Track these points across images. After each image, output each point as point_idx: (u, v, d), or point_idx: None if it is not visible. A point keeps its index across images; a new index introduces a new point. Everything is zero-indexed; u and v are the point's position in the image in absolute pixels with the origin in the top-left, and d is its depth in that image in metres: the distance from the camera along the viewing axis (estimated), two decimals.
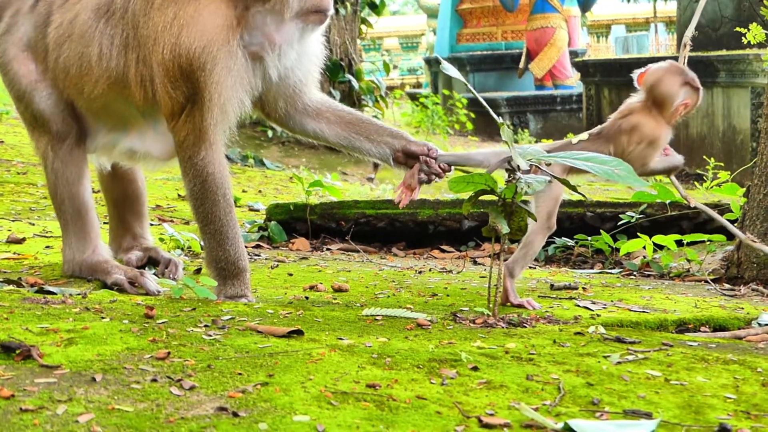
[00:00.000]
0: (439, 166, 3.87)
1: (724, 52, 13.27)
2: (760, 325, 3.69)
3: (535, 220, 3.61)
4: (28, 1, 4.03)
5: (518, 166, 3.42)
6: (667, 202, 5.63)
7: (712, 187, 8.15)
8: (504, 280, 3.79)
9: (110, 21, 3.79)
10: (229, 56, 3.65)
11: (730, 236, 5.12)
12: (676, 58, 4.32)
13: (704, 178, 9.69)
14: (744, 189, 5.53)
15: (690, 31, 4.35)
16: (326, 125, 4.00)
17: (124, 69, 3.77)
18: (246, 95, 3.77)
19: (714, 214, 4.20)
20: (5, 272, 4.16)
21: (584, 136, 3.93)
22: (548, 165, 3.57)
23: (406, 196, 3.85)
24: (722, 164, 9.69)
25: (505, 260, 3.76)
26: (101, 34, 3.80)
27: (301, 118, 3.99)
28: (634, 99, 3.97)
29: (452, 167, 3.94)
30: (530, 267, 5.27)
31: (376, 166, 11.20)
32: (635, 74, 4.00)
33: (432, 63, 24.77)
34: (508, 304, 3.84)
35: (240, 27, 3.68)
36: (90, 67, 3.83)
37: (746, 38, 6.63)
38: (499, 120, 3.59)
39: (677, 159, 3.88)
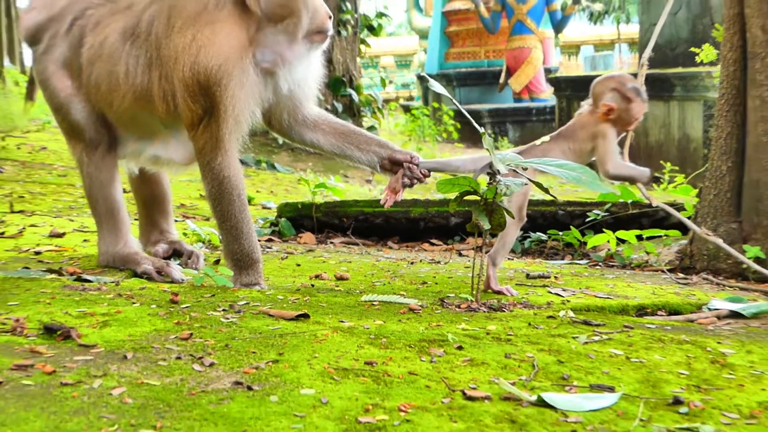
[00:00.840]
0: (421, 172, 3.89)
1: (680, 70, 13.27)
2: (709, 309, 3.70)
3: (513, 218, 3.62)
4: (64, 24, 4.03)
5: (498, 170, 3.43)
6: (629, 201, 5.66)
7: (668, 188, 8.18)
8: (488, 269, 3.81)
9: (135, 43, 3.79)
10: (243, 73, 3.65)
11: (685, 231, 5.14)
12: (636, 75, 4.33)
13: (661, 180, 9.70)
14: (696, 190, 5.55)
15: (648, 53, 4.35)
16: (322, 136, 4.01)
17: (148, 85, 3.78)
18: (257, 107, 3.79)
19: (673, 211, 4.20)
20: (48, 263, 4.16)
21: (546, 138, 3.96)
22: (524, 169, 3.58)
23: (391, 197, 3.87)
24: (677, 168, 9.70)
25: (487, 252, 3.77)
26: (127, 54, 3.80)
27: (301, 129, 4.00)
28: (586, 103, 4.00)
29: (431, 172, 3.96)
30: (508, 258, 5.28)
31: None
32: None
33: (423, 79, 24.76)
34: (490, 290, 3.85)
35: (252, 46, 3.69)
36: (118, 83, 3.83)
37: (699, 57, 6.64)
38: (481, 130, 3.59)
39: (642, 171, 3.87)
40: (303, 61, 3.84)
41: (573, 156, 3.85)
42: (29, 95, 5.29)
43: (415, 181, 3.88)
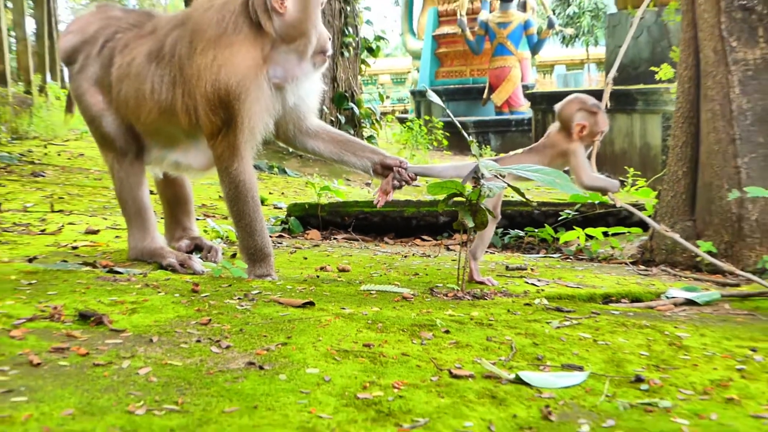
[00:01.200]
0: (408, 175, 3.91)
1: (641, 86, 13.31)
2: (667, 297, 3.70)
3: (495, 218, 3.61)
4: (96, 46, 4.04)
5: (483, 174, 3.42)
6: (596, 202, 5.66)
7: (631, 190, 8.17)
8: (470, 263, 3.80)
9: (160, 64, 3.80)
10: (258, 89, 3.65)
11: (645, 229, 5.15)
12: (602, 92, 4.35)
13: (625, 183, 9.70)
14: (656, 192, 5.56)
15: (613, 72, 4.36)
16: (322, 144, 4.02)
17: (172, 101, 3.78)
18: (270, 119, 3.78)
19: (636, 211, 4.19)
20: (84, 256, 4.15)
21: (519, 151, 3.99)
22: (503, 176, 3.58)
23: (382, 198, 3.89)
24: (639, 173, 9.73)
25: (469, 246, 3.77)
26: (152, 74, 3.81)
27: (304, 138, 4.01)
28: (554, 125, 4.01)
29: (418, 176, 3.98)
30: (490, 252, 5.28)
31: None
32: (556, 107, 4.04)
33: (416, 94, 24.78)
34: (474, 281, 3.85)
35: (266, 64, 3.68)
36: (144, 99, 3.83)
37: (658, 75, 6.64)
38: (469, 138, 3.62)
39: (613, 183, 3.87)
40: (308, 77, 3.85)
41: None
42: (68, 108, 5.31)
43: (404, 183, 3.90)
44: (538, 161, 3.84)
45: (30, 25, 17.94)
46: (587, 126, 3.92)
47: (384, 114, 15.56)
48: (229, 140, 3.69)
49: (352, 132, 12.02)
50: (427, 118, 18.36)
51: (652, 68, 6.90)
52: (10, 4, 16.10)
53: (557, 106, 4.04)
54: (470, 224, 3.42)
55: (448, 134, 17.45)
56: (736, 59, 4.47)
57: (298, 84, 3.82)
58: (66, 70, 4.45)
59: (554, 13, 27.84)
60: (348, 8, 11.91)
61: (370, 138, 12.38)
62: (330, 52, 3.84)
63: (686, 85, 4.82)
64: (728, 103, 4.47)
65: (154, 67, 3.82)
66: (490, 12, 22.52)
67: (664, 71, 6.88)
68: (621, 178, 11.17)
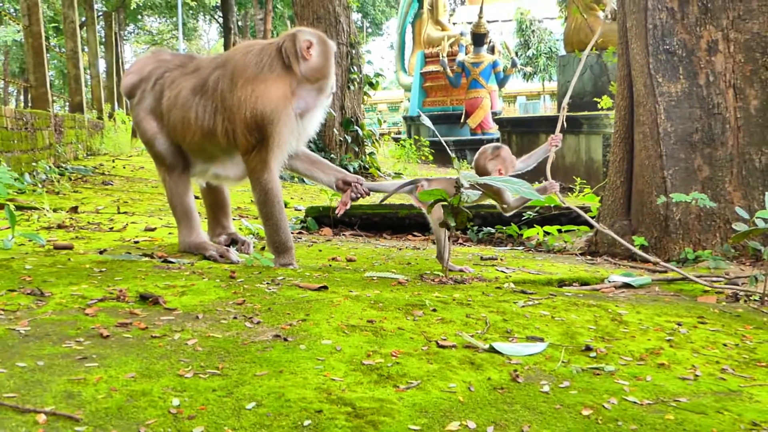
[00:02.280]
0: (363, 190, 3.91)
1: (586, 113, 13.30)
2: (609, 282, 3.67)
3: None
4: (150, 83, 4.03)
5: (462, 184, 3.39)
6: (552, 205, 5.63)
7: (579, 196, 8.15)
8: (442, 262, 3.76)
9: (203, 96, 3.79)
10: (287, 116, 3.68)
11: (591, 226, 5.11)
12: (555, 117, 4.34)
13: (573, 190, 9.69)
14: (599, 198, 5.54)
15: (566, 100, 4.33)
16: (299, 162, 4.02)
17: (213, 125, 3.77)
18: (293, 141, 3.81)
19: (582, 213, 4.17)
20: (143, 249, 4.12)
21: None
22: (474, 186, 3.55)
23: (341, 208, 3.90)
24: (585, 182, 9.70)
25: (454, 240, 3.73)
26: (197, 104, 3.80)
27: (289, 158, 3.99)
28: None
29: (371, 192, 4.00)
30: (467, 245, 5.25)
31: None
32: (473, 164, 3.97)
33: (407, 119, 24.82)
34: (452, 270, 3.79)
35: (293, 97, 3.71)
36: (190, 124, 3.82)
37: (600, 104, 6.63)
38: (453, 155, 3.58)
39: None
40: (319, 110, 3.89)
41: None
42: (134, 133, 5.33)
43: (360, 196, 3.91)
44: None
45: (101, 65, 17.90)
46: (503, 168, 3.87)
47: (382, 135, 15.52)
48: (261, 156, 3.69)
49: (356, 149, 11.98)
50: (416, 137, 18.37)
51: (595, 99, 6.90)
52: (86, 48, 16.05)
53: (473, 164, 3.97)
54: (452, 223, 3.40)
55: (433, 151, 17.47)
56: (662, 92, 4.45)
57: (314, 115, 3.87)
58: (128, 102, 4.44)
59: (516, 55, 27.82)
60: (353, 51, 11.90)
61: (371, 154, 12.34)
62: (335, 89, 3.90)
63: (622, 113, 4.80)
64: (656, 127, 4.44)
65: (198, 98, 3.81)
66: (466, 54, 22.53)
67: (605, 102, 6.88)
68: (570, 186, 11.20)
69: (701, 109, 4.38)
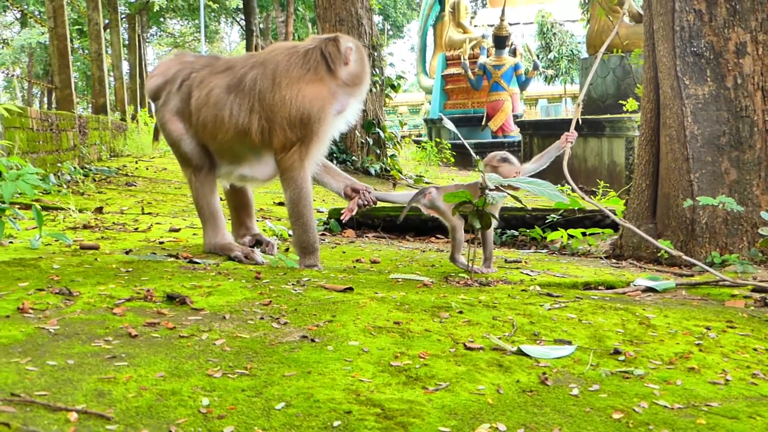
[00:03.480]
0: (371, 198, 3.96)
1: (609, 116, 13.25)
2: (635, 285, 3.64)
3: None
4: (176, 84, 4.05)
5: (487, 186, 3.38)
6: (576, 208, 5.60)
7: (602, 200, 8.10)
8: (456, 262, 3.77)
9: (239, 94, 3.82)
10: (330, 115, 3.79)
11: (616, 230, 5.09)
12: (578, 120, 4.31)
13: (596, 194, 9.65)
14: (623, 201, 5.50)
15: (581, 97, 4.28)
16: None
17: (248, 124, 3.80)
18: (329, 141, 3.89)
19: (612, 215, 4.15)
20: (168, 249, 4.14)
21: (459, 183, 4.10)
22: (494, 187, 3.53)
23: (347, 214, 3.96)
24: (608, 185, 9.65)
25: (477, 243, 3.71)
26: (231, 103, 3.83)
27: None
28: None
29: (378, 201, 4.06)
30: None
31: (394, 185, 11.16)
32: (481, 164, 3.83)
33: (428, 121, 24.79)
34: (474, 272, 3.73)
35: (334, 99, 3.80)
36: (223, 122, 3.84)
37: (625, 107, 6.59)
38: (476, 157, 3.57)
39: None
40: (350, 116, 3.99)
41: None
42: (155, 137, 5.35)
43: (367, 204, 3.96)
44: (472, 192, 3.70)
45: (125, 67, 18.03)
46: (516, 173, 3.84)
47: (403, 137, 15.52)
48: (300, 153, 3.76)
49: (378, 151, 11.97)
50: (437, 140, 18.37)
51: (620, 102, 6.84)
52: (110, 50, 16.16)
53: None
54: (477, 225, 3.39)
55: (455, 153, 17.45)
56: (688, 94, 4.42)
57: (345, 119, 3.97)
58: (152, 104, 4.48)
59: (538, 58, 27.75)
60: (375, 54, 11.89)
61: (392, 156, 12.32)
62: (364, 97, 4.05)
63: (648, 115, 4.77)
64: (683, 130, 4.41)
65: (232, 97, 3.85)
66: (487, 57, 22.48)
67: (630, 104, 6.82)
68: (593, 189, 11.15)
69: (729, 111, 4.35)
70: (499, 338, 2.40)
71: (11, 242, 4.09)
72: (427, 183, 11.75)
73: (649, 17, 4.78)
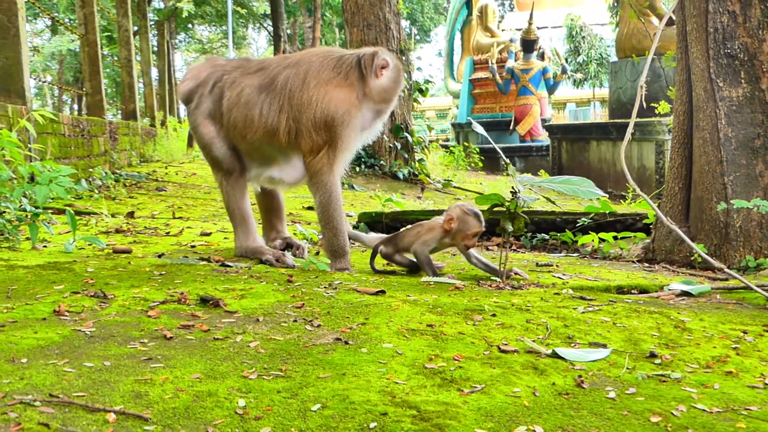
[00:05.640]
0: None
1: (638, 119, 13.13)
2: (669, 289, 3.60)
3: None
4: (208, 87, 4.08)
5: (519, 189, 3.37)
6: (607, 212, 5.56)
7: (632, 204, 8.05)
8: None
9: (270, 94, 3.85)
10: (357, 120, 3.80)
11: (648, 234, 5.05)
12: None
13: (626, 198, 9.58)
14: (657, 204, 5.46)
15: (642, 79, 4.19)
16: None
17: (277, 123, 3.82)
18: (355, 149, 3.92)
19: (663, 216, 4.11)
20: (200, 253, 4.17)
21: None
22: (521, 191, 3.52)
23: None
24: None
25: (509, 247, 3.70)
26: (262, 102, 3.86)
27: None
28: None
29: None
30: (521, 252, 5.21)
31: (422, 189, 11.16)
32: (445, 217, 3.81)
33: (456, 126, 24.75)
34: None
35: (360, 109, 3.82)
36: (252, 121, 3.87)
37: (657, 110, 6.53)
38: (507, 161, 3.56)
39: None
40: (371, 131, 4.01)
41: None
42: (189, 143, 5.41)
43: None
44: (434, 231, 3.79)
45: (153, 73, 18.19)
46: (454, 219, 3.71)
47: (431, 142, 15.50)
48: (328, 157, 3.77)
49: (406, 156, 11.95)
50: (465, 144, 18.34)
51: (653, 105, 6.79)
52: (138, 57, 16.32)
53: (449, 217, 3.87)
54: (510, 229, 3.38)
55: (483, 158, 17.41)
56: (722, 96, 4.37)
57: (371, 131, 4.00)
58: (182, 109, 4.52)
59: (567, 61, 27.61)
60: (403, 58, 11.88)
61: (420, 161, 12.31)
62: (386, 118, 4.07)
63: (681, 118, 4.73)
64: (716, 132, 4.37)
65: (264, 96, 3.88)
66: (515, 61, 22.42)
67: (662, 107, 6.77)
68: (622, 193, 11.07)
69: (763, 113, 4.30)
70: (533, 341, 2.39)
71: (45, 246, 4.14)
72: (455, 188, 11.74)
73: (681, 19, 4.74)
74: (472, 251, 3.76)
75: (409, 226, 3.98)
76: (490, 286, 3.42)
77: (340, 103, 3.73)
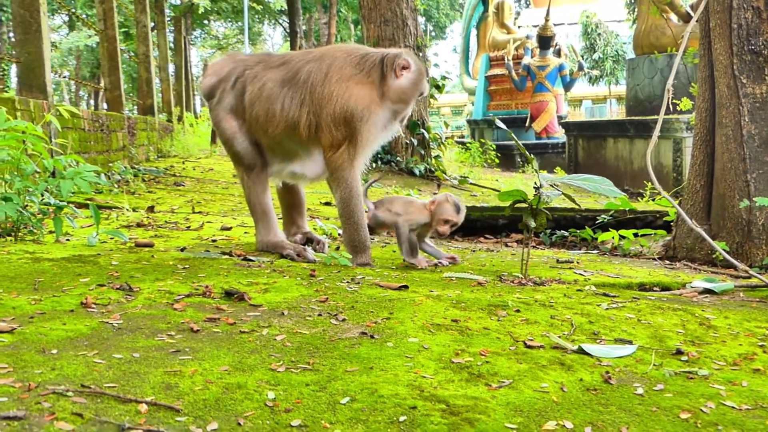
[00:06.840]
0: None
1: (656, 117, 13.08)
2: (692, 287, 3.59)
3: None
4: (230, 82, 4.08)
5: (541, 185, 3.37)
6: (627, 209, 5.54)
7: (650, 202, 8.01)
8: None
9: (292, 88, 3.85)
10: (376, 116, 3.78)
11: (668, 231, 5.03)
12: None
13: (643, 195, 9.54)
14: (677, 201, 5.44)
15: (670, 82, 4.18)
16: None
17: (298, 117, 3.83)
18: (376, 146, 3.91)
19: (687, 217, 4.10)
20: (221, 247, 4.17)
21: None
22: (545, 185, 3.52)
23: None
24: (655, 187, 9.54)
25: (529, 245, 3.69)
26: (284, 95, 3.86)
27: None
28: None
29: None
30: (540, 248, 5.20)
31: (438, 185, 11.16)
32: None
33: (471, 122, 24.70)
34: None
35: (380, 107, 3.80)
36: (274, 115, 3.87)
37: (680, 107, 6.49)
38: (531, 156, 3.55)
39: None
40: (388, 131, 3.98)
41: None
42: (213, 138, 5.44)
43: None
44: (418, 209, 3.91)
45: (170, 69, 18.25)
46: (436, 203, 3.90)
47: (447, 138, 15.48)
48: (348, 152, 3.76)
49: (422, 152, 11.95)
50: (482, 141, 18.30)
51: (674, 101, 6.75)
52: (155, 53, 16.37)
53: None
54: (532, 225, 3.37)
55: (499, 155, 17.37)
56: (746, 93, 4.35)
57: (389, 131, 3.98)
58: (199, 104, 4.54)
59: (583, 58, 27.54)
60: (420, 54, 11.87)
61: (437, 157, 12.30)
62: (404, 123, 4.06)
63: (703, 114, 4.70)
64: (739, 129, 4.35)
65: (286, 90, 3.88)
66: (532, 57, 22.36)
67: (684, 104, 6.74)
68: (640, 191, 11.03)
69: None
70: (559, 337, 2.38)
71: (68, 239, 4.16)
72: (472, 184, 11.72)
73: (705, 15, 4.72)
74: (427, 239, 4.00)
75: (399, 196, 4.04)
76: (512, 282, 3.42)
77: (360, 100, 3.73)
